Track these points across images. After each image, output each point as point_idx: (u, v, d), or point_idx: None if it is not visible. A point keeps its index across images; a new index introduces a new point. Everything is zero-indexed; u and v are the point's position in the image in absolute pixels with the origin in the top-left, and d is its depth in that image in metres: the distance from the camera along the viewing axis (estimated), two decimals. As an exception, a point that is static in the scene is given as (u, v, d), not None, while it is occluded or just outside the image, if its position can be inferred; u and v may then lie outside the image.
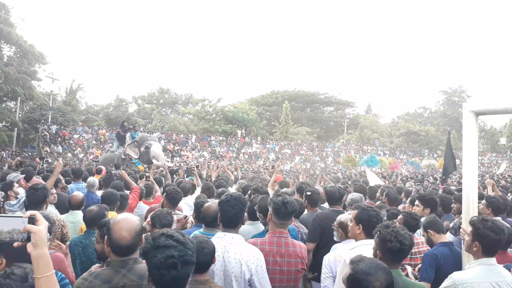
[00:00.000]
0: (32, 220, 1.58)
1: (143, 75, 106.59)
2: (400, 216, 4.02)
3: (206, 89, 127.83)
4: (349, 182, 9.17)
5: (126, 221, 2.21)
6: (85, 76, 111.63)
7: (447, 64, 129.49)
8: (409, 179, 14.17)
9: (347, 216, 3.57)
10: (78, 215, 4.62)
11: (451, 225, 4.37)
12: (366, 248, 2.80)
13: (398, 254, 2.50)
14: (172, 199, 4.45)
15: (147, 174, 7.84)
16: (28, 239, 1.56)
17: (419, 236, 3.94)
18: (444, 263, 3.34)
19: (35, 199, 3.92)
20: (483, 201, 4.62)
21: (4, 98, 31.37)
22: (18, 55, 27.91)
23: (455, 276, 2.73)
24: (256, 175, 10.84)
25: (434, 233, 3.60)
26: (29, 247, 1.56)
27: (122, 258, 2.16)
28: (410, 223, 3.80)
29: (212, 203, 3.33)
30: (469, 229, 2.85)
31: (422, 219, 3.98)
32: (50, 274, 1.60)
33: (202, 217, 3.35)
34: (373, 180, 9.99)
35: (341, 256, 3.29)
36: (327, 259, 3.32)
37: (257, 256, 2.75)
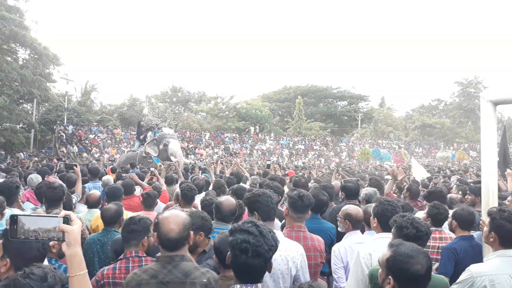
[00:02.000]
0: (66, 220, 1.61)
1: (156, 74, 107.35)
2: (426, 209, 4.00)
3: (219, 86, 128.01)
4: (366, 176, 9.12)
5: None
6: (99, 76, 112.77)
7: (461, 55, 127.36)
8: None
9: (354, 207, 3.61)
10: (96, 213, 4.69)
11: None
12: (384, 241, 2.80)
13: (416, 242, 2.48)
14: (184, 196, 4.49)
15: (151, 169, 7.88)
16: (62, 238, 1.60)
17: (447, 231, 3.89)
18: (464, 257, 3.30)
19: (54, 197, 3.97)
20: (510, 198, 4.55)
21: (21, 100, 31.87)
22: (33, 58, 28.29)
23: (472, 268, 2.69)
24: (267, 170, 10.86)
25: (457, 226, 3.56)
26: (64, 246, 1.60)
27: (170, 253, 2.22)
28: (437, 217, 3.79)
29: (226, 199, 3.43)
30: (487, 220, 2.83)
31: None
32: (83, 273, 1.63)
33: (215, 211, 3.40)
34: (419, 172, 9.80)
35: (351, 247, 3.32)
36: (337, 249, 3.37)
37: (300, 252, 2.77)
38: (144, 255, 2.89)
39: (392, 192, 5.90)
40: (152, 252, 2.97)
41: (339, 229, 3.59)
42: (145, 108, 36.57)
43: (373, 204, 3.37)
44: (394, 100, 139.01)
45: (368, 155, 32.68)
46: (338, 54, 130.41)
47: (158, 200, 5.74)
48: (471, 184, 5.93)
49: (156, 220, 2.29)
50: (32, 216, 1.64)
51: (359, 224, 3.53)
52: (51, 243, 1.65)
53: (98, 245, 3.59)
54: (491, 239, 2.74)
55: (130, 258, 2.81)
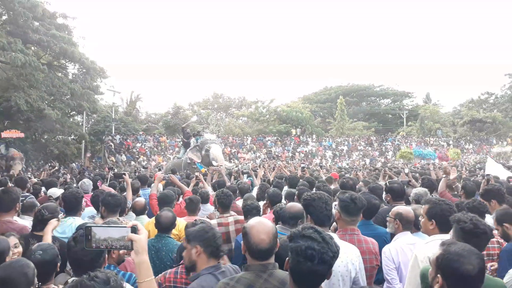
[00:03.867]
0: (134, 230, 1.72)
1: (197, 82, 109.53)
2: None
3: (259, 90, 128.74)
4: (417, 175, 8.84)
5: (263, 225, 2.24)
6: (143, 85, 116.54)
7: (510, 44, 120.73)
8: (477, 170, 13.43)
9: (405, 208, 3.51)
10: (144, 220, 4.85)
11: None
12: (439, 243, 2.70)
13: (472, 239, 2.37)
14: (221, 204, 4.53)
15: (196, 174, 8.01)
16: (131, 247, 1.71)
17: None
18: None
19: (115, 204, 4.13)
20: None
21: (72, 113, 33.50)
22: (81, 72, 29.69)
23: None
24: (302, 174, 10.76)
25: (510, 226, 3.35)
26: (132, 254, 1.72)
27: (261, 262, 2.18)
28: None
29: (291, 204, 3.39)
30: None
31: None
32: (150, 279, 1.75)
33: (282, 214, 3.39)
34: (494, 170, 9.32)
35: (402, 248, 3.22)
36: (388, 250, 3.28)
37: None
38: None
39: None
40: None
41: (387, 229, 3.52)
42: (194, 117, 37.64)
43: (422, 205, 3.26)
44: (440, 95, 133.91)
45: (410, 155, 31.64)
46: (379, 50, 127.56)
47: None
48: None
49: (244, 230, 2.26)
50: (103, 227, 1.76)
51: (410, 225, 3.44)
52: (121, 251, 1.77)
53: (153, 251, 3.67)
54: None
55: None
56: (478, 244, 2.42)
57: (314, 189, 5.39)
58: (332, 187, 6.60)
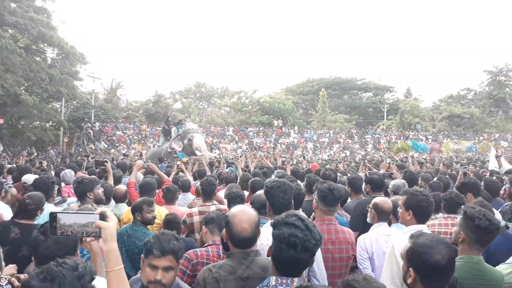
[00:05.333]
0: (103, 217, 1.67)
1: (179, 70, 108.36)
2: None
3: (241, 81, 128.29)
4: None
5: (245, 213, 2.25)
6: (124, 73, 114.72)
7: (491, 41, 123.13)
8: (454, 164, 13.68)
9: (383, 199, 3.55)
10: (123, 208, 4.77)
11: (500, 209, 4.26)
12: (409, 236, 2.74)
13: (487, 235, 2.39)
14: (203, 191, 4.51)
15: (178, 163, 7.96)
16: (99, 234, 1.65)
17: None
18: (496, 250, 3.14)
19: (81, 191, 4.05)
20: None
21: (50, 99, 32.71)
22: (60, 57, 28.94)
23: None
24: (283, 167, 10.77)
25: None
26: (100, 242, 1.66)
27: (243, 250, 2.21)
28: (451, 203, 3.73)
29: (259, 193, 3.38)
30: None
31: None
32: (119, 268, 1.69)
33: (253, 203, 3.35)
34: (496, 162, 9.30)
35: (377, 239, 3.28)
36: (362, 240, 3.33)
37: None
38: None
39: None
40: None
41: (367, 220, 3.55)
42: (178, 103, 37.25)
43: (401, 196, 3.29)
44: (421, 90, 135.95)
45: (407, 148, 31.94)
46: (362, 44, 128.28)
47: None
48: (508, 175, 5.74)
49: (226, 219, 2.27)
50: (70, 213, 1.70)
51: (386, 216, 3.47)
52: (88, 239, 1.71)
53: (125, 236, 3.70)
54: None
55: (220, 245, 2.85)
56: (489, 240, 2.45)
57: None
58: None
